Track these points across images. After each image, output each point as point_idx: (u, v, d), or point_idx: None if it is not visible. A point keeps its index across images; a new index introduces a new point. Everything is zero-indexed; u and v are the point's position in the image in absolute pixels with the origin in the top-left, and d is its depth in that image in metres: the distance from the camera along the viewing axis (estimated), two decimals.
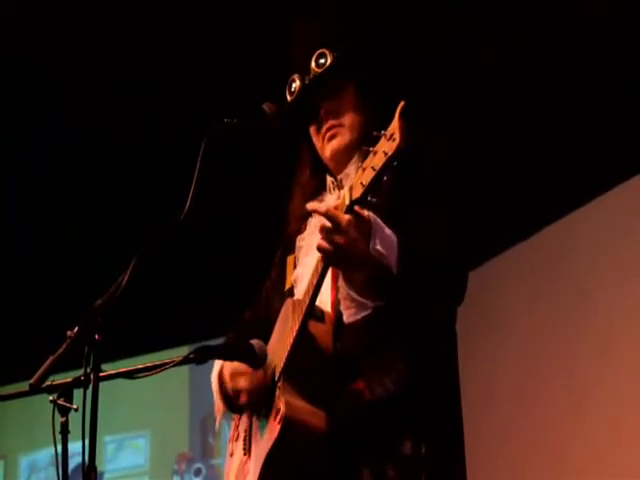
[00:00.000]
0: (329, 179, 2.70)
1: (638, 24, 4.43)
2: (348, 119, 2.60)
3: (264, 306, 2.84)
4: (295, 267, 2.68)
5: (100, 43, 4.87)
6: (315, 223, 2.64)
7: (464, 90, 4.80)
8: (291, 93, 2.65)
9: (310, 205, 2.35)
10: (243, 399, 2.60)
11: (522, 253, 5.58)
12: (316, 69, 2.60)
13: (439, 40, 4.61)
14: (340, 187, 2.62)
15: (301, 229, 2.71)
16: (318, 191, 2.71)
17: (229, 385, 2.63)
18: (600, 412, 4.95)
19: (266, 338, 2.61)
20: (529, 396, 5.36)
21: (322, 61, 2.59)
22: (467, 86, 4.79)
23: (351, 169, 2.57)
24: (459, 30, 4.58)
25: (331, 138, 2.61)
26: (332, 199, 2.64)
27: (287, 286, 2.70)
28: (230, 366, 2.63)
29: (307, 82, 2.60)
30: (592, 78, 4.67)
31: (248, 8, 4.61)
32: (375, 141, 2.12)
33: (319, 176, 2.72)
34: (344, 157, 2.61)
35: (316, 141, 2.66)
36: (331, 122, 2.61)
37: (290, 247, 2.74)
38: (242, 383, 2.59)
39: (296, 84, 2.63)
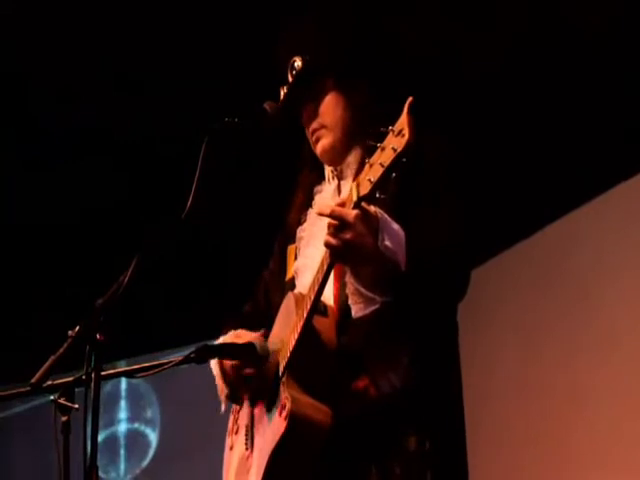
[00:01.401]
0: (328, 169, 2.71)
1: (636, 24, 4.43)
2: (329, 119, 2.62)
3: (264, 297, 2.84)
4: (296, 258, 2.68)
5: (100, 42, 4.86)
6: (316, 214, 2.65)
7: (464, 90, 4.80)
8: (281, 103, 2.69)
9: (317, 210, 2.35)
10: (231, 372, 2.59)
11: (523, 251, 5.57)
12: (290, 77, 2.64)
13: (437, 38, 4.61)
14: (340, 177, 2.64)
15: (301, 220, 2.71)
16: (318, 181, 2.72)
17: (228, 363, 2.61)
18: (602, 408, 4.94)
19: (268, 329, 2.62)
20: (530, 394, 5.36)
21: (295, 68, 2.63)
22: (467, 86, 4.79)
23: (351, 159, 2.59)
24: (458, 29, 4.58)
25: (316, 141, 2.65)
26: (331, 189, 2.66)
27: (288, 276, 2.70)
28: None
29: (286, 91, 2.63)
30: (592, 77, 4.67)
31: (250, 6, 4.61)
32: (380, 136, 2.11)
33: (318, 166, 2.74)
34: (334, 154, 2.63)
35: (310, 141, 2.70)
36: (312, 126, 2.65)
37: (290, 237, 2.74)
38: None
39: (282, 95, 2.67)
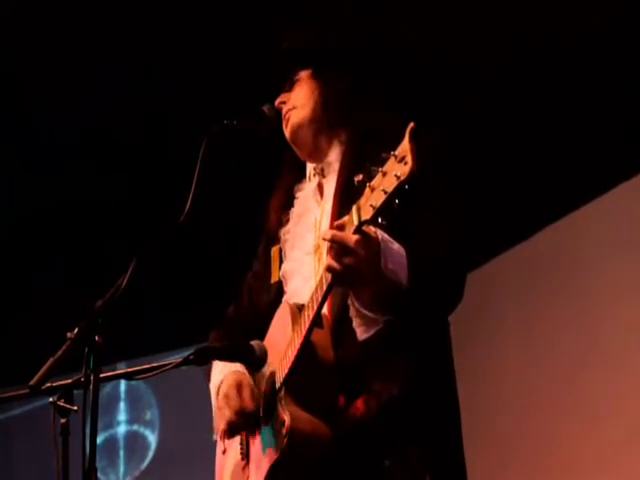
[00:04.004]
0: (310, 166, 2.71)
1: (636, 24, 4.43)
2: (300, 99, 2.65)
3: (248, 300, 2.83)
4: (282, 260, 2.68)
5: (99, 42, 4.87)
6: (298, 212, 2.65)
7: (463, 90, 4.80)
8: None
9: (322, 235, 2.32)
10: (222, 425, 2.56)
11: (522, 254, 5.57)
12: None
13: (438, 38, 4.61)
14: (322, 175, 2.64)
15: (282, 221, 2.71)
16: (299, 179, 2.73)
17: (220, 405, 2.58)
18: (602, 414, 4.94)
19: (254, 332, 2.60)
20: (529, 397, 5.35)
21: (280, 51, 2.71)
22: (466, 86, 4.79)
23: (332, 158, 2.60)
24: (457, 30, 4.58)
25: (287, 123, 2.67)
26: (312, 187, 2.67)
27: (273, 279, 2.69)
28: (227, 384, 2.60)
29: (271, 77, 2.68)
30: (592, 77, 4.67)
31: (249, 7, 4.62)
32: (380, 160, 2.07)
33: (299, 168, 2.74)
34: (302, 137, 2.65)
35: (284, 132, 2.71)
36: (285, 107, 2.67)
37: (273, 238, 2.74)
38: (227, 412, 2.54)
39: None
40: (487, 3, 4.46)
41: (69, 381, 2.20)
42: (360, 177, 2.11)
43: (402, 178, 2.00)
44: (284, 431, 2.31)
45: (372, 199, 2.08)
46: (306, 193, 2.68)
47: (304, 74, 2.67)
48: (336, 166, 2.57)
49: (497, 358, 5.58)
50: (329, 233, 2.23)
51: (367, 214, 2.10)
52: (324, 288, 2.29)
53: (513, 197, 5.21)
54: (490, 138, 4.99)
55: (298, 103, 2.64)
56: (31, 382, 2.19)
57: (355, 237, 2.18)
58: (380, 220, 2.10)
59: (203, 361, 2.42)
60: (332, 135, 2.61)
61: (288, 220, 2.69)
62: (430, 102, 4.43)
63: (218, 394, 2.61)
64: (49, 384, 2.21)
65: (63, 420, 2.15)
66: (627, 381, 4.86)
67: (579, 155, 4.92)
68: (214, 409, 2.66)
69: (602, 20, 4.41)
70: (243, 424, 2.54)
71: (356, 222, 2.14)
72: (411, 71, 4.48)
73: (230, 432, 2.58)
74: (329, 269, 2.23)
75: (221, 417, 2.58)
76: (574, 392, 5.11)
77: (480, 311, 5.36)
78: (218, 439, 2.77)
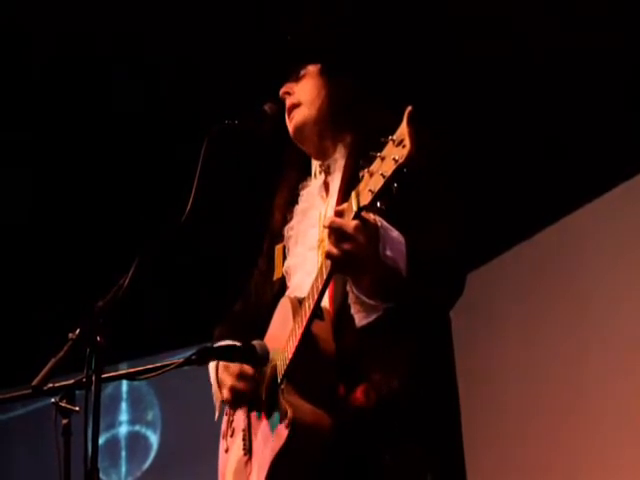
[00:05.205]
0: (315, 163, 2.71)
1: (636, 24, 4.43)
2: (305, 95, 2.64)
3: (254, 297, 2.84)
4: (285, 257, 2.68)
5: (100, 41, 4.87)
6: (302, 209, 2.65)
7: (463, 88, 4.80)
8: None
9: (324, 222, 2.33)
10: (225, 394, 2.58)
11: (522, 254, 5.57)
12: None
13: (433, 38, 4.61)
14: (327, 172, 2.64)
15: (286, 218, 2.72)
16: (304, 177, 2.73)
17: (220, 376, 2.61)
18: (603, 414, 4.94)
19: (258, 329, 2.62)
20: (530, 397, 5.35)
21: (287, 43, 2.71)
22: (467, 85, 4.79)
23: (338, 155, 2.60)
24: (457, 30, 4.58)
25: (291, 120, 2.66)
26: (317, 184, 2.67)
27: (277, 275, 2.70)
28: None
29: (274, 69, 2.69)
30: (592, 77, 4.67)
31: (250, 6, 4.62)
32: (379, 145, 2.08)
33: (304, 166, 2.74)
34: (307, 135, 2.65)
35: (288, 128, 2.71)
36: (289, 101, 2.66)
37: (277, 236, 2.74)
38: (228, 379, 2.57)
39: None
40: (487, 3, 4.46)
41: (71, 382, 2.20)
42: (364, 171, 2.12)
43: (400, 161, 2.01)
44: (286, 421, 2.32)
45: (371, 184, 2.08)
46: (311, 190, 2.68)
47: (312, 68, 2.65)
48: (341, 163, 2.57)
49: (498, 358, 5.58)
50: (328, 219, 2.25)
51: (366, 199, 2.11)
52: (324, 276, 2.29)
53: (513, 197, 5.21)
54: (490, 138, 4.99)
55: (303, 99, 2.63)
56: (33, 382, 2.19)
57: (354, 223, 2.19)
58: (379, 205, 2.10)
59: (205, 361, 2.42)
60: (337, 138, 2.61)
61: (292, 217, 2.69)
62: (430, 102, 4.42)
63: (217, 371, 2.62)
64: (51, 385, 2.21)
65: (65, 421, 2.15)
66: (628, 381, 4.86)
67: (579, 155, 4.92)
68: (214, 388, 2.66)
69: (602, 21, 4.41)
70: (245, 388, 2.54)
71: (355, 208, 2.15)
72: (411, 71, 4.48)
73: (234, 400, 2.58)
74: (328, 255, 2.24)
75: (223, 387, 2.60)
76: (575, 392, 5.11)
77: (481, 311, 5.36)
78: (221, 439, 2.79)
